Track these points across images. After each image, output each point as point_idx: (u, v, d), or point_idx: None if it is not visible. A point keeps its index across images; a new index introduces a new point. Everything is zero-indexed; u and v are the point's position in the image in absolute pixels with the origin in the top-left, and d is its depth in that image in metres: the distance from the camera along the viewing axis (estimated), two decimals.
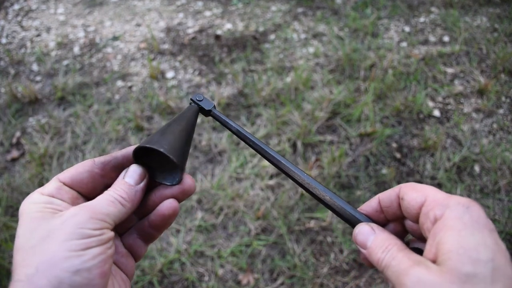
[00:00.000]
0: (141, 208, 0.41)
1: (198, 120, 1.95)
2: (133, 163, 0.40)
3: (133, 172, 0.39)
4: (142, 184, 0.39)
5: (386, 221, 0.39)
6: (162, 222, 0.40)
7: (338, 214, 0.40)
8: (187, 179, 0.41)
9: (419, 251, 0.33)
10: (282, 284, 1.43)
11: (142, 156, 0.41)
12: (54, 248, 0.31)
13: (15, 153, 1.90)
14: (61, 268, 0.30)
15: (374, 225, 0.37)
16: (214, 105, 0.49)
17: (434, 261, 0.30)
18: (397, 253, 0.32)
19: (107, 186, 0.40)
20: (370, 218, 0.39)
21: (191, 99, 0.49)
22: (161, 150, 0.38)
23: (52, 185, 0.38)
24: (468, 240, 0.28)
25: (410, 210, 0.35)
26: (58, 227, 0.32)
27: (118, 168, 0.41)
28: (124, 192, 0.38)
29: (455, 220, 0.30)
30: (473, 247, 0.28)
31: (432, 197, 0.33)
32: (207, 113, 0.48)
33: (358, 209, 0.40)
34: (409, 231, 0.38)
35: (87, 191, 0.40)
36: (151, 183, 0.41)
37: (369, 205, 0.39)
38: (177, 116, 0.45)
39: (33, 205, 0.35)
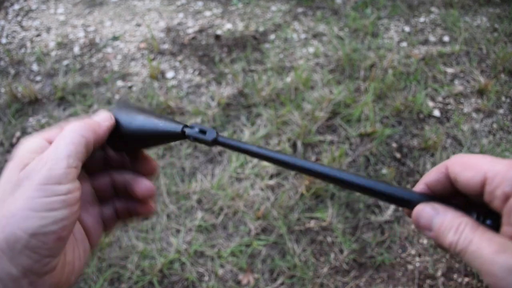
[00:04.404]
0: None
1: (198, 120, 1.95)
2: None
3: (101, 112, 0.41)
4: (108, 123, 0.39)
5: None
6: (139, 198, 0.42)
7: (389, 199, 0.35)
8: (149, 162, 0.44)
9: (491, 225, 0.30)
10: (282, 284, 1.43)
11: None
12: (18, 205, 0.31)
13: None
14: (20, 227, 0.30)
15: (435, 204, 0.32)
16: (217, 132, 0.40)
17: None
18: (472, 235, 0.28)
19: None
20: (427, 196, 0.33)
21: (186, 136, 0.40)
22: (116, 116, 0.41)
23: (56, 132, 0.36)
24: None
25: (469, 191, 0.31)
26: (27, 177, 0.32)
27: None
28: (86, 123, 0.36)
29: None
30: None
31: (492, 172, 0.29)
32: (211, 143, 0.40)
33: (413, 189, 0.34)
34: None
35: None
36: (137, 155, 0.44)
37: (427, 180, 0.34)
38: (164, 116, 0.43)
39: (26, 153, 0.34)
